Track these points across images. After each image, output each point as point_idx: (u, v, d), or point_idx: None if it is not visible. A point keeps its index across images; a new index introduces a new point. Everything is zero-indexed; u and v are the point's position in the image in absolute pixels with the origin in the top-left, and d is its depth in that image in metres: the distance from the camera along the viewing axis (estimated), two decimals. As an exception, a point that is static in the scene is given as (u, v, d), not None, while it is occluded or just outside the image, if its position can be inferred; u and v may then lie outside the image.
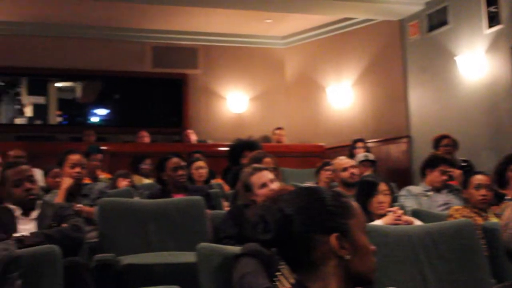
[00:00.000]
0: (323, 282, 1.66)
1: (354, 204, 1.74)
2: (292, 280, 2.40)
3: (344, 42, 11.31)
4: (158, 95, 12.22)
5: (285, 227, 1.67)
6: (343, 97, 11.26)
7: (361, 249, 1.68)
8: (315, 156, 10.23)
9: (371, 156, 7.55)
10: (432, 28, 9.54)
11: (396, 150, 10.15)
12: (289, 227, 1.67)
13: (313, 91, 11.82)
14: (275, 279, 2.51)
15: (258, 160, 5.22)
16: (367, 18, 10.70)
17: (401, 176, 9.12)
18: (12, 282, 2.57)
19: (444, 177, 5.78)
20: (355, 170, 5.84)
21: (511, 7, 8.04)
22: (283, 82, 12.33)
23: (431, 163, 5.88)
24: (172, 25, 11.32)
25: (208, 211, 4.67)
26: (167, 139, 11.62)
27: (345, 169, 5.79)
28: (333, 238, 1.64)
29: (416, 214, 4.50)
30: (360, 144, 8.84)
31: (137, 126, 11.01)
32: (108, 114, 12.36)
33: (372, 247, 1.72)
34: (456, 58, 8.84)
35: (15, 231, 3.69)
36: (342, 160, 6.00)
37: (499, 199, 5.07)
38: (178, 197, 5.12)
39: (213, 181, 7.36)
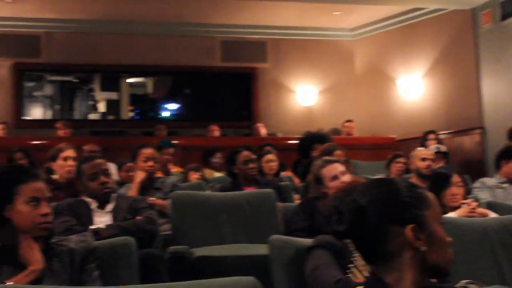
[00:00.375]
0: (399, 274, 1.65)
1: (430, 195, 1.72)
2: (366, 273, 2.39)
3: (414, 33, 11.15)
4: (227, 89, 12.32)
5: (360, 218, 1.67)
6: (413, 88, 11.12)
7: (437, 240, 1.66)
8: (386, 148, 10.10)
9: (443, 148, 7.43)
10: (505, 16, 9.30)
11: (469, 141, 9.95)
12: (363, 218, 1.66)
13: (383, 82, 11.70)
14: (348, 271, 2.49)
15: (329, 152, 5.19)
16: (438, 7, 10.52)
17: (474, 168, 8.92)
18: (89, 273, 2.62)
19: (520, 169, 5.63)
20: (432, 163, 5.78)
21: None
22: (353, 74, 12.25)
23: (506, 154, 5.73)
24: (241, 19, 11.36)
25: (279, 204, 4.68)
26: (237, 132, 11.69)
27: (423, 159, 5.74)
28: (408, 230, 1.63)
29: (491, 206, 4.39)
30: (431, 136, 8.72)
31: (207, 120, 11.13)
32: (178, 108, 12.51)
33: (448, 239, 1.70)
34: (531, 47, 8.62)
35: (91, 223, 3.77)
36: (422, 151, 6.00)
37: None
38: (249, 190, 5.15)
39: (283, 174, 7.36)
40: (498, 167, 5.77)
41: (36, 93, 11.95)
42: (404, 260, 1.64)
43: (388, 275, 1.65)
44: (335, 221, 1.70)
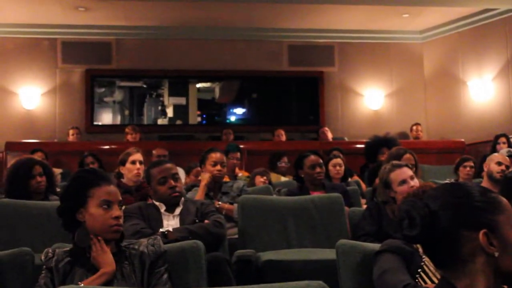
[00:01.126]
0: (471, 280, 1.62)
1: (503, 200, 1.68)
2: (435, 278, 2.36)
3: (485, 34, 10.93)
4: (294, 94, 12.32)
5: (432, 223, 1.64)
6: (484, 91, 10.89)
7: (511, 246, 1.62)
8: (455, 152, 9.91)
9: (515, 152, 7.26)
10: None
11: (542, 145, 9.68)
12: (435, 223, 1.64)
13: (452, 85, 11.51)
14: (417, 275, 2.46)
15: (398, 156, 5.13)
16: (510, 8, 10.28)
17: (548, 173, 8.66)
18: (159, 276, 2.65)
19: None
20: (506, 170, 5.65)
21: None
22: (421, 77, 12.08)
23: None
24: (307, 23, 11.36)
25: (346, 208, 4.65)
26: (303, 137, 11.67)
27: (499, 163, 5.62)
28: (481, 235, 1.60)
29: None
30: (503, 140, 8.54)
31: (274, 125, 11.13)
32: (245, 113, 12.56)
33: (523, 245, 1.66)
34: None
35: (161, 227, 3.81)
36: (501, 155, 5.93)
37: None
38: (317, 194, 5.12)
39: (350, 179, 7.30)
40: None
41: (106, 99, 12.19)
42: (476, 266, 1.61)
43: (460, 281, 1.62)
44: (406, 226, 1.68)
